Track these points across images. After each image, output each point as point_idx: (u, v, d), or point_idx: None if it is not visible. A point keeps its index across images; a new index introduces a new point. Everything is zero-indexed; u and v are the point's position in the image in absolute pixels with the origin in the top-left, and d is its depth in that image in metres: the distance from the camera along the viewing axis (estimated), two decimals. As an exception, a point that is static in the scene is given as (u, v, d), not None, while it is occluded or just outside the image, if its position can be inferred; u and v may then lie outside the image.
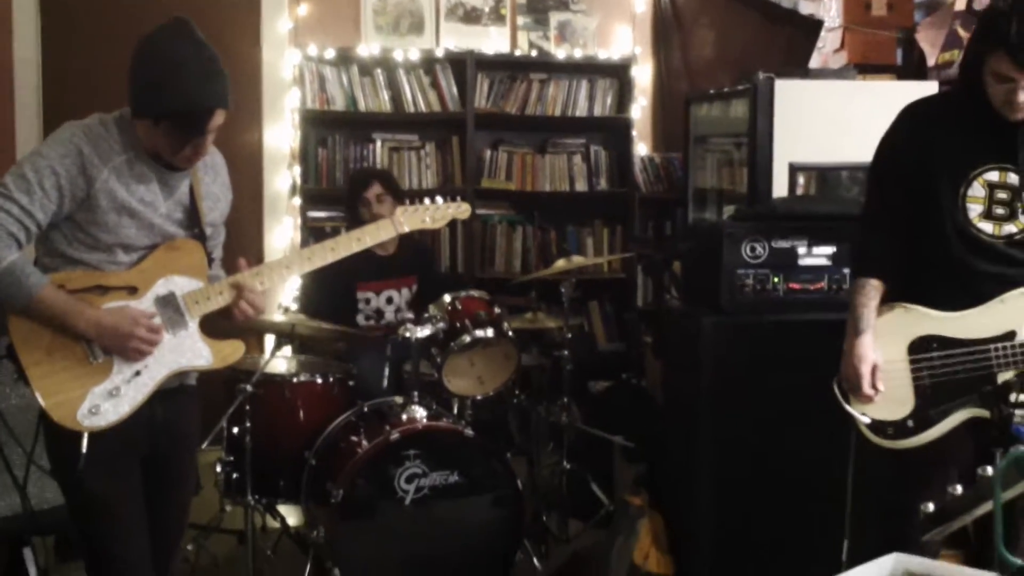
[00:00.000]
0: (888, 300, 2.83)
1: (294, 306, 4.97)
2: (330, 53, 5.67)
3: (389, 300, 4.71)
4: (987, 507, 1.37)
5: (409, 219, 3.00)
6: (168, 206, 2.65)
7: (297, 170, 5.72)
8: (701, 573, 3.69)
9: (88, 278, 2.55)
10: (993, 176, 2.71)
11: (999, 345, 2.64)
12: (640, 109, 6.07)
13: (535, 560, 4.19)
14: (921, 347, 2.75)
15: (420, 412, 3.90)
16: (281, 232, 5.77)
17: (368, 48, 5.71)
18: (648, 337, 5.52)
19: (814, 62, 5.95)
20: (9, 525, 3.30)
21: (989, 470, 1.37)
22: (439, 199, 3.16)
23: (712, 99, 5.37)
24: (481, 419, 4.30)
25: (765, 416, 3.55)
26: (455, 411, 4.26)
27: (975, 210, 2.72)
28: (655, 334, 5.08)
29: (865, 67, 5.33)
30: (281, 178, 5.77)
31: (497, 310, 4.22)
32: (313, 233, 5.71)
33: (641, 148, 6.12)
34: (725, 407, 3.60)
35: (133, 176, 2.57)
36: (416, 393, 3.97)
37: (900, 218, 2.82)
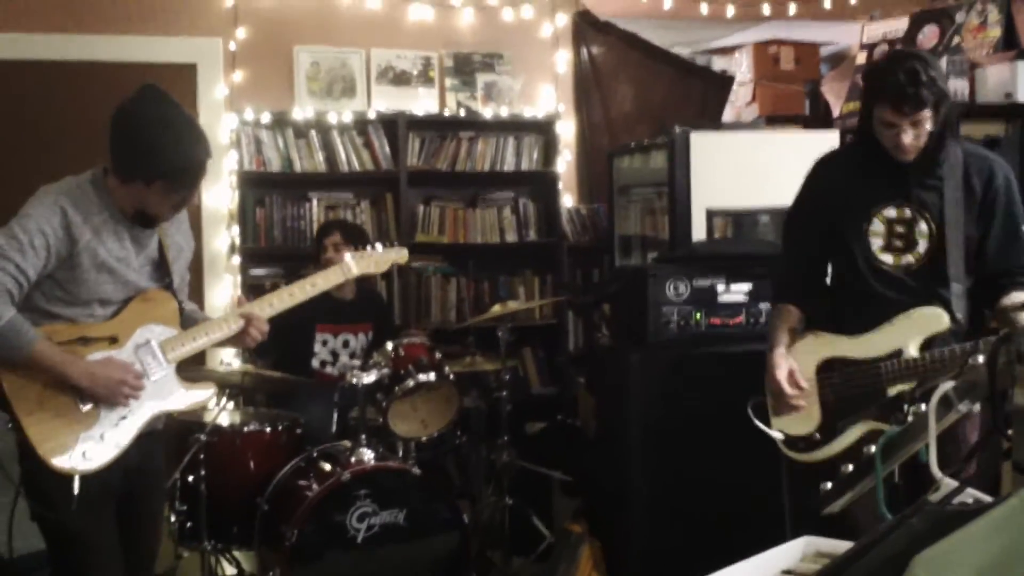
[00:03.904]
0: (808, 327, 3.14)
1: (236, 362, 5.13)
2: (266, 117, 5.87)
3: (346, 344, 4.90)
4: (871, 481, 1.63)
5: (357, 264, 3.25)
6: (140, 261, 2.84)
7: (236, 230, 5.88)
8: (639, 595, 3.92)
9: (72, 330, 2.73)
10: (891, 212, 3.02)
11: (889, 363, 2.90)
12: (565, 163, 6.33)
13: (481, 593, 4.37)
14: (826, 367, 3.04)
15: (368, 454, 4.08)
16: (221, 290, 5.92)
17: (302, 111, 5.92)
18: (581, 378, 5.74)
19: (728, 115, 6.29)
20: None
21: (873, 448, 1.64)
22: (379, 245, 3.42)
23: (633, 152, 5.65)
24: (422, 461, 4.48)
25: (691, 441, 3.81)
26: (400, 453, 4.44)
27: (876, 244, 3.02)
28: (588, 373, 5.30)
29: (775, 118, 5.68)
30: (220, 238, 5.92)
31: (438, 355, 4.42)
32: (253, 291, 5.83)
33: (567, 200, 6.37)
34: (653, 434, 3.85)
35: (109, 235, 2.76)
36: (363, 437, 4.15)
37: (811, 255, 3.18)
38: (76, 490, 2.67)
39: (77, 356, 2.70)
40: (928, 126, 2.88)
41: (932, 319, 2.89)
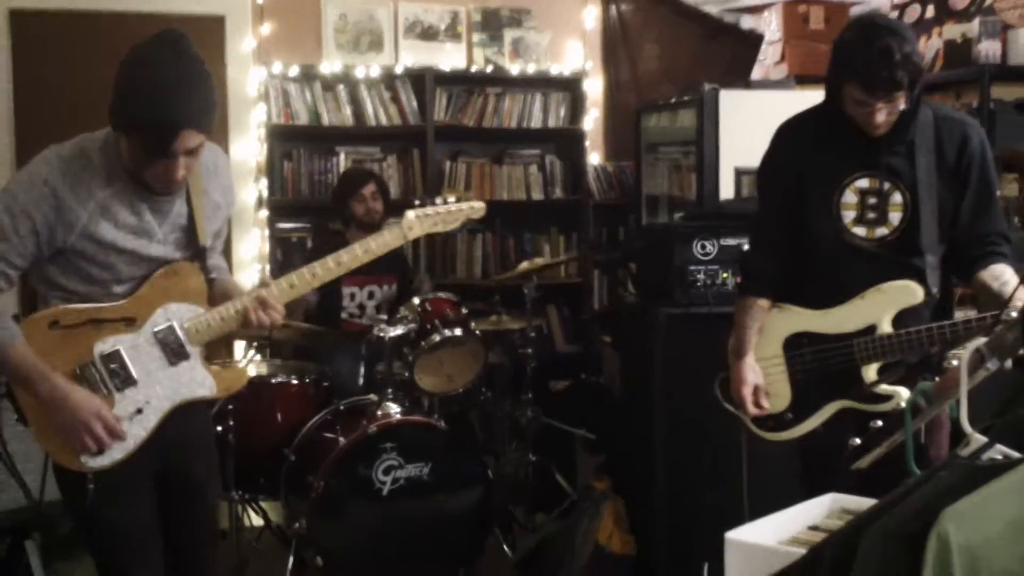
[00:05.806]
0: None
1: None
2: (294, 70, 5.87)
3: (371, 295, 4.94)
4: (901, 437, 1.63)
5: (421, 224, 2.79)
6: (164, 231, 2.55)
7: (263, 183, 5.90)
8: (659, 551, 3.94)
9: (82, 313, 2.48)
10: (863, 183, 2.84)
11: (861, 340, 2.75)
12: (592, 120, 6.31)
13: (504, 546, 4.41)
14: (793, 344, 2.90)
15: (394, 408, 4.12)
16: (249, 243, 5.94)
17: (330, 65, 5.92)
18: (606, 337, 5.75)
19: (756, 74, 6.24)
20: (13, 518, 3.48)
21: (903, 404, 1.63)
22: (451, 199, 3.02)
23: (661, 109, 5.63)
24: (447, 415, 4.52)
25: (715, 400, 3.81)
26: (425, 408, 4.49)
27: (849, 216, 2.85)
28: (613, 331, 5.31)
29: (805, 78, 5.61)
30: (248, 191, 5.93)
31: (464, 310, 4.45)
32: (280, 244, 5.90)
33: (594, 157, 6.36)
34: (678, 393, 3.85)
35: (122, 207, 2.47)
36: (389, 390, 4.19)
37: (785, 232, 2.97)
38: (91, 485, 2.46)
39: (59, 376, 2.43)
40: (902, 104, 2.70)
41: (906, 292, 2.75)
